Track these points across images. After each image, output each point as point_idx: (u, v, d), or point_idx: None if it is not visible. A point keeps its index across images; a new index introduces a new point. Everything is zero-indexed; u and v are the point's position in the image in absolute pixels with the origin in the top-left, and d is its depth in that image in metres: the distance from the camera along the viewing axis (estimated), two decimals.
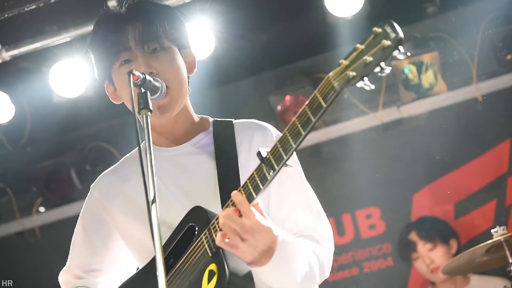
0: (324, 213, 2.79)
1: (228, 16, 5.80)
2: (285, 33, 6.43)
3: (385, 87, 6.41)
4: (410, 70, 6.25)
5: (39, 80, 6.10)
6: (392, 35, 2.10)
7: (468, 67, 6.28)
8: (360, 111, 6.49)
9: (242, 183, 2.43)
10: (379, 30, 2.12)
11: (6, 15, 5.12)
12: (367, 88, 2.14)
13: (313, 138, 6.45)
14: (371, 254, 6.62)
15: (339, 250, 6.56)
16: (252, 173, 2.39)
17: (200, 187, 2.75)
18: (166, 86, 2.68)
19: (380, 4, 6.01)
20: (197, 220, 2.60)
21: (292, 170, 2.68)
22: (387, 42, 2.10)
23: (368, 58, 2.11)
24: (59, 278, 3.00)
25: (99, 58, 2.83)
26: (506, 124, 6.37)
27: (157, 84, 2.62)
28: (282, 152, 2.31)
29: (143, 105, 2.44)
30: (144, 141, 2.39)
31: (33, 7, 5.08)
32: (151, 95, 2.54)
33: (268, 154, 2.34)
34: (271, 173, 2.33)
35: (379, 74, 2.12)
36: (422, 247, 5.95)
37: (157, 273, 2.23)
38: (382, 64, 2.10)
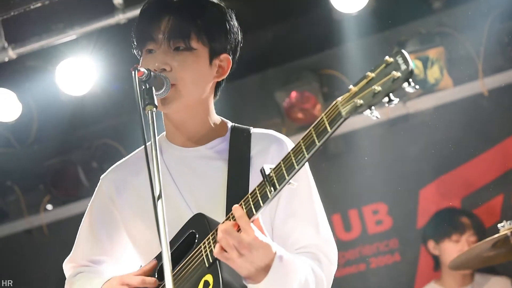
0: (330, 232, 2.78)
1: (234, 12, 5.80)
2: (291, 29, 6.44)
3: None
4: (416, 66, 6.24)
5: (45, 78, 6.12)
6: (403, 67, 2.10)
7: (474, 62, 6.27)
8: None
9: None
10: (391, 60, 2.13)
11: (12, 13, 5.13)
12: (374, 118, 2.15)
13: None
14: (378, 249, 6.62)
15: (346, 246, 6.56)
16: (254, 189, 2.41)
17: (208, 193, 2.75)
18: (173, 84, 2.68)
19: (385, 0, 6.01)
20: (198, 228, 2.61)
21: (303, 185, 2.70)
22: (397, 74, 2.10)
23: (377, 88, 2.12)
24: (63, 266, 3.01)
25: (134, 38, 2.82)
26: None
27: (162, 79, 2.62)
28: (284, 172, 2.33)
29: (149, 100, 2.46)
30: (151, 139, 2.41)
31: (39, 5, 5.10)
32: (156, 91, 2.55)
33: (271, 172, 2.36)
34: (272, 192, 2.35)
35: (387, 104, 2.13)
36: (469, 237, 5.86)
37: (164, 270, 2.26)
38: (391, 95, 2.11)
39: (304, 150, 2.29)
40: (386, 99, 2.12)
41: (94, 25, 5.55)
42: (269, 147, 2.79)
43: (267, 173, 2.36)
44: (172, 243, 2.62)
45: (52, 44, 5.66)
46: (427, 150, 6.41)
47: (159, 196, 2.30)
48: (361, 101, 2.14)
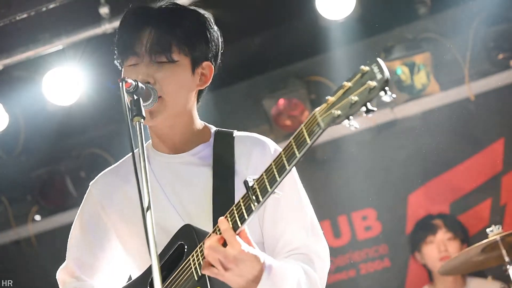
0: (320, 231, 2.78)
1: (221, 20, 5.80)
2: (278, 37, 6.45)
3: None
4: (402, 71, 6.26)
5: (32, 89, 6.10)
6: (379, 76, 2.08)
7: (460, 67, 6.30)
8: None
9: (236, 201, 2.44)
10: (367, 69, 2.11)
11: None
12: (352, 128, 2.13)
13: None
14: (367, 255, 6.62)
15: (335, 252, 6.56)
16: (239, 201, 2.41)
17: (195, 200, 2.75)
18: (160, 96, 2.68)
19: (371, 6, 6.03)
20: (186, 239, 2.61)
21: (289, 187, 2.71)
22: (373, 83, 2.08)
23: (354, 98, 2.11)
24: (57, 275, 2.99)
25: (116, 52, 2.81)
26: (499, 123, 6.39)
27: (149, 90, 2.63)
28: (267, 184, 2.32)
29: (136, 112, 2.46)
30: (138, 148, 2.40)
31: (25, 15, 5.09)
32: (143, 102, 2.55)
33: (254, 184, 2.36)
34: (256, 204, 2.35)
35: (365, 114, 2.11)
36: (443, 234, 5.91)
37: (153, 280, 2.26)
38: (369, 104, 2.10)
39: (285, 162, 2.28)
40: (363, 108, 2.11)
41: (81, 35, 5.54)
42: (252, 150, 2.80)
43: (250, 184, 2.36)
44: (162, 255, 2.62)
45: (39, 54, 5.66)
46: (415, 155, 6.43)
47: (148, 208, 2.29)
48: (339, 112, 2.14)
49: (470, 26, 6.23)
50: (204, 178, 2.77)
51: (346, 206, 6.64)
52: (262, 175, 2.35)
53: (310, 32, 6.14)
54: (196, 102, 2.87)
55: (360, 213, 6.65)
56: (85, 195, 2.97)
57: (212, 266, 2.42)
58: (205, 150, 2.83)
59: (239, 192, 2.55)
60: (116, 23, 5.36)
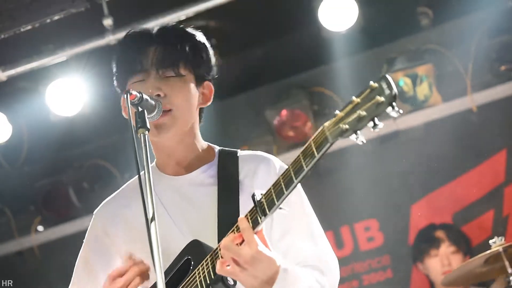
0: (328, 242, 2.80)
1: (223, 32, 5.83)
2: (280, 48, 6.46)
3: None
4: (405, 83, 6.28)
5: (36, 100, 6.12)
6: (387, 91, 2.13)
7: (463, 79, 6.31)
8: None
9: None
10: (375, 85, 2.16)
11: (2, 36, 5.14)
12: (359, 142, 2.19)
13: None
14: (370, 266, 6.62)
15: (338, 263, 6.54)
16: (246, 215, 2.43)
17: (200, 219, 2.76)
18: (170, 110, 2.71)
19: (374, 18, 6.05)
20: (193, 254, 2.63)
21: (296, 200, 2.73)
22: (381, 99, 2.13)
23: (362, 113, 2.15)
24: None
25: (118, 71, 2.85)
26: (501, 135, 6.39)
27: (153, 102, 2.64)
28: (274, 197, 2.36)
29: (141, 124, 2.48)
30: (144, 169, 2.41)
31: (29, 27, 5.12)
32: (148, 114, 2.57)
33: (262, 198, 2.39)
34: (262, 218, 2.37)
35: (372, 129, 2.16)
36: (446, 248, 5.91)
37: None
38: (376, 119, 2.15)
39: (293, 175, 2.32)
40: (371, 123, 2.15)
41: (84, 46, 5.57)
42: (257, 168, 2.82)
43: (257, 199, 2.39)
44: (168, 271, 2.64)
45: (43, 65, 5.69)
46: (418, 166, 6.44)
47: (152, 218, 2.31)
48: (347, 126, 2.18)
49: (473, 38, 6.25)
50: (209, 198, 2.78)
51: (348, 217, 6.63)
52: (269, 189, 2.38)
53: (313, 43, 6.17)
54: (199, 121, 2.90)
55: (363, 223, 6.65)
56: (90, 223, 2.99)
57: (227, 266, 2.43)
58: (210, 170, 2.85)
59: (245, 210, 2.55)
60: (120, 35, 5.38)
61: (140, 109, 2.52)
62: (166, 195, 2.82)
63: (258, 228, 2.42)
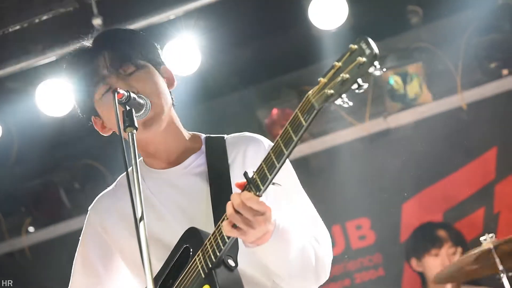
0: (321, 220, 2.83)
1: (213, 31, 5.82)
2: (270, 47, 6.46)
3: (371, 98, 6.44)
4: (395, 81, 6.30)
5: (25, 100, 6.08)
6: (367, 51, 2.11)
7: (453, 77, 6.33)
8: (347, 123, 6.52)
9: None
10: (355, 46, 2.15)
11: None
12: (345, 105, 2.17)
13: (300, 150, 6.46)
14: (362, 265, 6.63)
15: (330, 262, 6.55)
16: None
17: (195, 208, 2.76)
18: (150, 102, 2.69)
19: (363, 16, 6.05)
20: (191, 241, 2.62)
21: (287, 180, 2.73)
22: (362, 59, 2.12)
23: (345, 76, 2.14)
24: None
25: (78, 95, 2.86)
26: (491, 132, 6.41)
27: (141, 101, 2.63)
28: (267, 172, 2.34)
29: (129, 122, 2.47)
30: (132, 164, 2.40)
31: (18, 27, 5.10)
32: (136, 112, 2.56)
33: (254, 174, 2.37)
34: (257, 194, 2.36)
35: (357, 90, 2.15)
36: (448, 249, 5.90)
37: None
38: (359, 80, 2.13)
39: (283, 147, 2.30)
40: (355, 85, 2.14)
41: (73, 45, 5.53)
42: (246, 149, 2.83)
43: (250, 176, 2.38)
44: (168, 261, 2.65)
45: (32, 65, 5.66)
46: (409, 165, 6.44)
47: (141, 218, 2.30)
48: (332, 91, 2.17)
49: (462, 36, 6.27)
50: (201, 186, 2.77)
51: (340, 215, 6.64)
52: (261, 164, 2.37)
53: (303, 42, 6.16)
54: (172, 106, 2.87)
55: (354, 222, 6.65)
56: (85, 220, 2.98)
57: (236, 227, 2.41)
58: (199, 159, 2.84)
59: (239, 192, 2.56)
60: None
61: (127, 108, 2.50)
62: (159, 189, 2.81)
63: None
